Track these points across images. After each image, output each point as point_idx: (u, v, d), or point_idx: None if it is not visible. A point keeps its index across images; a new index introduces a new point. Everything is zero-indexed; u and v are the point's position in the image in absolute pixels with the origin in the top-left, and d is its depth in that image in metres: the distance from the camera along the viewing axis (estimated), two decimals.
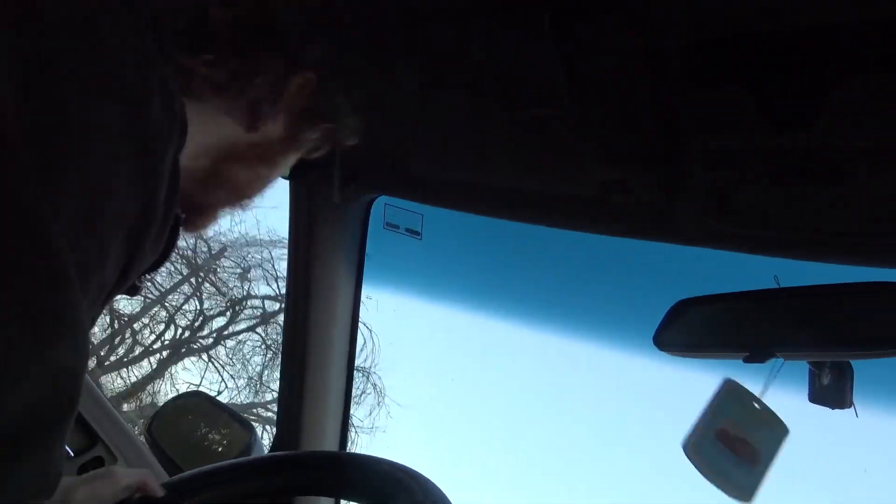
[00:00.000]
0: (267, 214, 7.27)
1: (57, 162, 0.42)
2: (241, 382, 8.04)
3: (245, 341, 8.14)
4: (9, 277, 0.38)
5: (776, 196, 0.73)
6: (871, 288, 0.73)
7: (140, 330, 8.17)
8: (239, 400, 7.95)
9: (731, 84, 0.65)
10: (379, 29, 0.81)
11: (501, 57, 0.74)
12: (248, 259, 8.03)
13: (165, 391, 8.01)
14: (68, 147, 0.43)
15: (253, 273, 8.05)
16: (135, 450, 1.36)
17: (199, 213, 0.67)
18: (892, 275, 0.71)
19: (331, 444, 1.30)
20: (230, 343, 8.18)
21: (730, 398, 0.81)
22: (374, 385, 7.61)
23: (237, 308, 8.23)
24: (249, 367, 8.07)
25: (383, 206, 1.23)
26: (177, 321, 8.23)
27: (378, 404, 7.61)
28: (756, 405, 0.80)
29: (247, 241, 7.86)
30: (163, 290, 7.88)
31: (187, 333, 8.23)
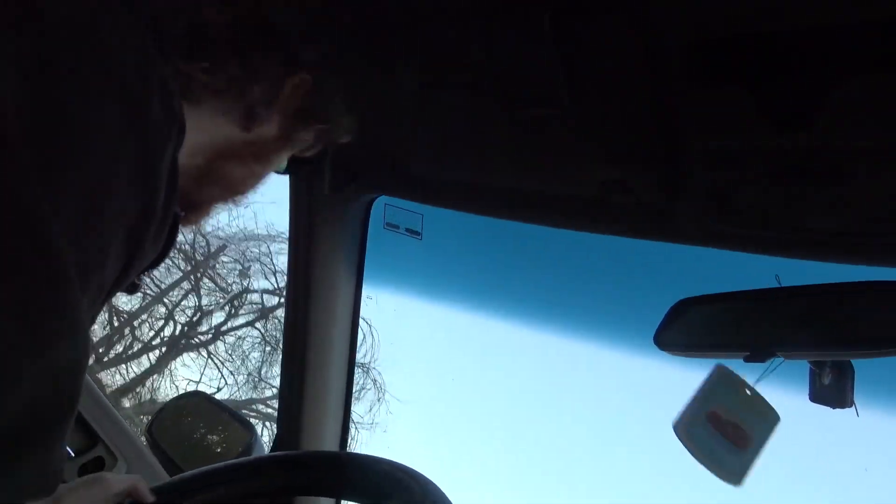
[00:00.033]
0: (265, 209, 7.28)
1: (57, 162, 0.42)
2: (241, 379, 8.03)
3: (245, 337, 8.12)
4: (9, 277, 0.38)
5: (776, 196, 0.73)
6: (871, 288, 0.73)
7: (139, 326, 8.16)
8: (238, 396, 7.94)
9: (731, 84, 0.65)
10: (379, 29, 0.81)
11: (501, 57, 0.74)
12: (246, 254, 8.01)
13: (165, 388, 8.01)
14: (68, 147, 0.43)
15: (252, 268, 8.04)
16: (135, 450, 1.36)
17: (192, 209, 0.68)
18: (892, 274, 0.71)
19: (331, 444, 1.30)
20: (230, 339, 8.16)
21: (721, 383, 0.81)
22: (375, 381, 7.61)
23: (236, 303, 8.21)
24: (249, 363, 8.05)
25: (383, 206, 1.23)
26: (175, 317, 8.22)
27: (378, 400, 7.61)
28: (748, 392, 0.79)
29: (245, 235, 7.85)
30: (162, 286, 7.87)
31: (186, 329, 8.21)
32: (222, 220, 7.37)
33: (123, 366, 7.97)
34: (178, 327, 8.24)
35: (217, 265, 8.14)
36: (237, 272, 8.09)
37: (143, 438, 1.37)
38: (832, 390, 0.77)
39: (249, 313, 8.22)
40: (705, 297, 0.84)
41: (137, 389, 7.94)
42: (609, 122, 0.76)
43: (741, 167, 0.72)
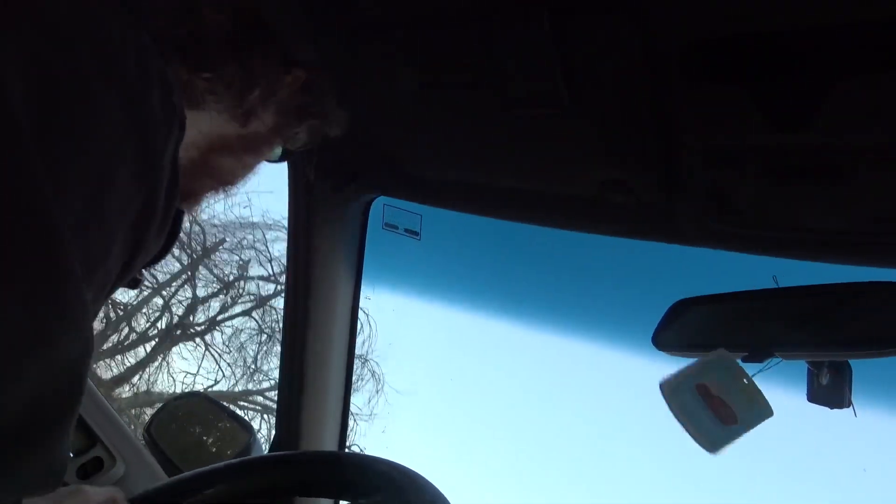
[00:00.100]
0: (260, 196, 7.23)
1: (61, 160, 0.42)
2: (238, 371, 7.97)
3: (242, 329, 8.07)
4: (14, 272, 0.38)
5: (776, 196, 0.73)
6: (871, 288, 0.73)
7: (134, 315, 8.07)
8: (237, 388, 7.90)
9: (731, 84, 0.65)
10: (379, 29, 0.81)
11: (501, 57, 0.74)
12: (242, 243, 7.93)
13: (162, 380, 7.95)
14: (71, 146, 0.43)
15: (247, 255, 7.97)
16: (134, 450, 1.36)
17: (185, 200, 0.69)
18: (891, 275, 0.72)
19: (330, 444, 1.30)
20: (227, 330, 8.09)
21: (720, 365, 0.80)
22: (373, 372, 7.58)
23: (232, 292, 8.14)
24: (247, 355, 7.99)
25: (382, 207, 1.23)
26: (172, 307, 8.16)
27: (377, 392, 7.57)
28: (745, 381, 0.79)
29: (241, 224, 7.79)
30: (159, 278, 7.80)
31: (183, 318, 8.16)
32: (218, 208, 7.33)
33: (119, 356, 7.89)
34: (174, 317, 8.19)
35: (214, 255, 8.08)
36: (234, 262, 8.04)
37: (141, 438, 1.36)
38: (830, 390, 0.77)
39: (246, 302, 8.17)
40: (704, 298, 0.84)
41: (132, 381, 7.88)
42: (609, 122, 0.76)
43: (741, 167, 0.72)
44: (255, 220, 7.73)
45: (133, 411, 7.41)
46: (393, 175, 1.11)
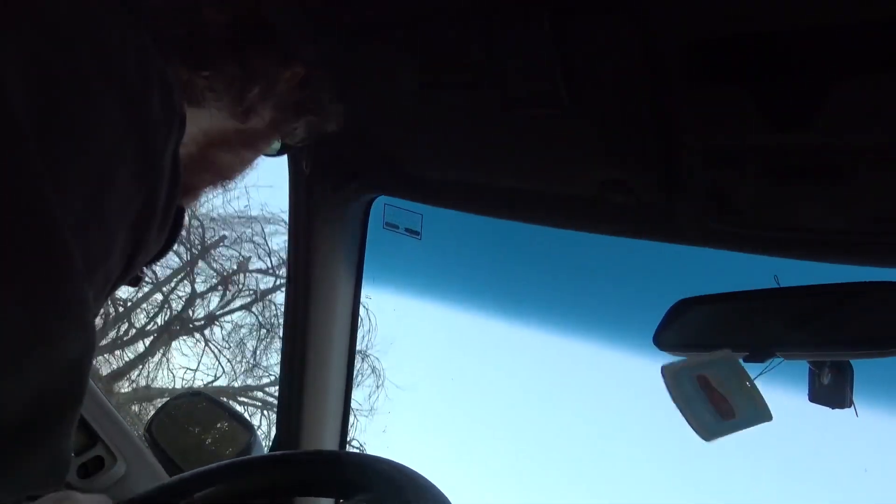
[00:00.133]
0: (258, 191, 7.23)
1: (62, 159, 0.42)
2: (239, 367, 7.94)
3: (241, 325, 8.04)
4: (14, 272, 0.38)
5: (776, 196, 0.73)
6: (871, 288, 0.73)
7: (133, 310, 8.04)
8: (236, 384, 7.87)
9: (731, 84, 0.65)
10: (379, 29, 0.81)
11: (501, 57, 0.74)
12: (241, 237, 7.91)
13: (161, 376, 7.92)
14: (72, 145, 0.43)
15: (246, 248, 7.95)
16: (135, 449, 1.36)
17: (183, 194, 0.69)
18: (891, 275, 0.71)
19: (331, 443, 1.30)
20: (227, 326, 8.08)
21: (724, 364, 0.81)
22: (373, 368, 7.57)
23: (231, 286, 8.12)
24: (246, 350, 7.96)
25: (383, 206, 1.23)
26: (171, 302, 8.13)
27: (377, 387, 7.55)
28: (748, 384, 0.79)
29: (239, 218, 7.77)
30: (158, 274, 7.76)
31: (182, 313, 8.14)
32: (216, 203, 7.32)
33: (118, 351, 7.86)
34: (172, 311, 8.16)
35: (213, 251, 8.07)
36: (233, 257, 8.01)
37: (143, 437, 1.37)
38: (831, 390, 0.77)
39: (245, 297, 8.14)
40: (705, 297, 0.84)
41: (131, 376, 7.85)
42: (609, 122, 0.76)
43: (741, 167, 0.72)
44: (254, 213, 7.72)
45: (133, 407, 7.40)
46: (393, 174, 1.11)
